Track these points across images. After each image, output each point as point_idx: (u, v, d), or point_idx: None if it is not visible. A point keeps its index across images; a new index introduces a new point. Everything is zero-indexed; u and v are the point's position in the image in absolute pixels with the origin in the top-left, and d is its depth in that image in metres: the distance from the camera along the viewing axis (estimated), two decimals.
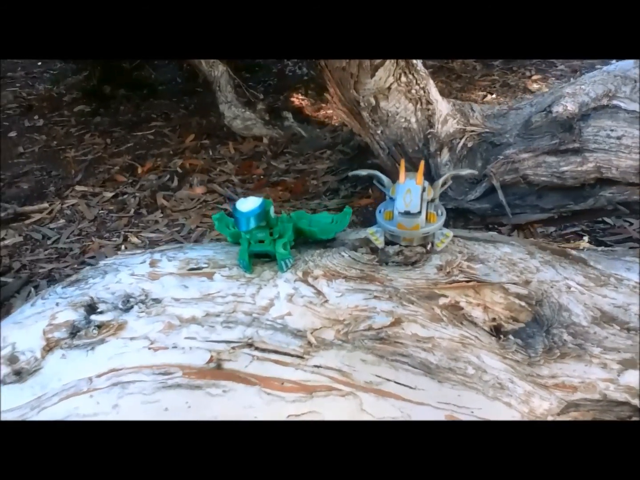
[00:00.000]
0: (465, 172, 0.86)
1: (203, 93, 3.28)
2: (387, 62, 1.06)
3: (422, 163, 0.74)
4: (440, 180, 0.78)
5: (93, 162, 2.43)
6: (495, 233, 0.91)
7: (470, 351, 0.68)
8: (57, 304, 0.74)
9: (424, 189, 0.74)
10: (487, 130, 1.16)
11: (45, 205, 2.03)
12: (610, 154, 1.00)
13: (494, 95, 3.31)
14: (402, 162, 0.78)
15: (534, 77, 3.73)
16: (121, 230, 1.86)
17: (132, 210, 1.99)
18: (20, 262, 1.69)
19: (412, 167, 1.26)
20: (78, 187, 2.17)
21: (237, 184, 2.22)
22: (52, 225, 1.91)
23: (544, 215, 1.17)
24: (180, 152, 2.52)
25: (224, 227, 0.86)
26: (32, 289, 1.55)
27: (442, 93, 1.17)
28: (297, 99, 3.38)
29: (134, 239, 1.81)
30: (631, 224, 1.44)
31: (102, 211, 2.00)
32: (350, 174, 0.84)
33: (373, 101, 1.14)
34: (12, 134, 2.80)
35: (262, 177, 2.28)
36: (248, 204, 0.72)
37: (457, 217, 1.28)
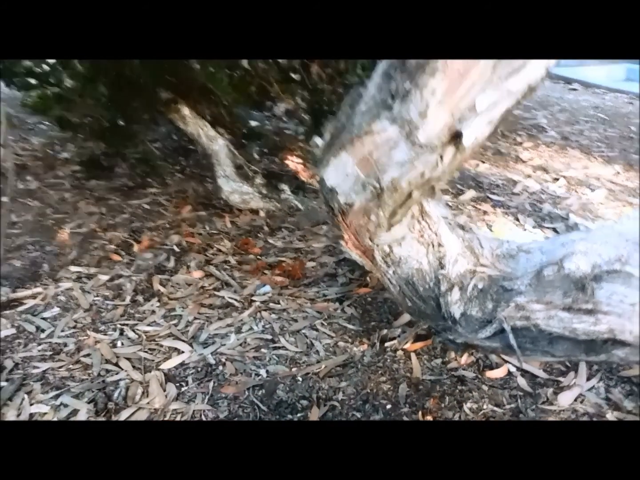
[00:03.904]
0: None
1: (198, 152, 3.28)
2: (404, 219, 1.07)
3: None
4: None
5: (88, 235, 2.40)
6: None
7: None
8: None
9: None
10: (498, 272, 1.16)
11: (39, 289, 1.99)
12: (624, 319, 1.00)
13: (486, 165, 3.35)
14: None
15: (525, 145, 3.80)
16: (117, 322, 1.83)
17: (128, 298, 1.96)
18: (13, 360, 1.65)
19: (421, 304, 1.27)
20: (72, 268, 2.14)
21: (234, 265, 2.20)
22: (45, 314, 1.87)
23: (554, 359, 1.17)
24: (176, 225, 2.50)
25: None
26: (26, 396, 1.51)
27: None
28: (293, 162, 3.39)
29: (131, 334, 1.78)
30: None
31: (97, 298, 1.96)
32: None
33: (387, 249, 1.14)
34: (4, 198, 2.75)
35: (259, 257, 2.26)
36: None
37: (466, 348, 1.28)
